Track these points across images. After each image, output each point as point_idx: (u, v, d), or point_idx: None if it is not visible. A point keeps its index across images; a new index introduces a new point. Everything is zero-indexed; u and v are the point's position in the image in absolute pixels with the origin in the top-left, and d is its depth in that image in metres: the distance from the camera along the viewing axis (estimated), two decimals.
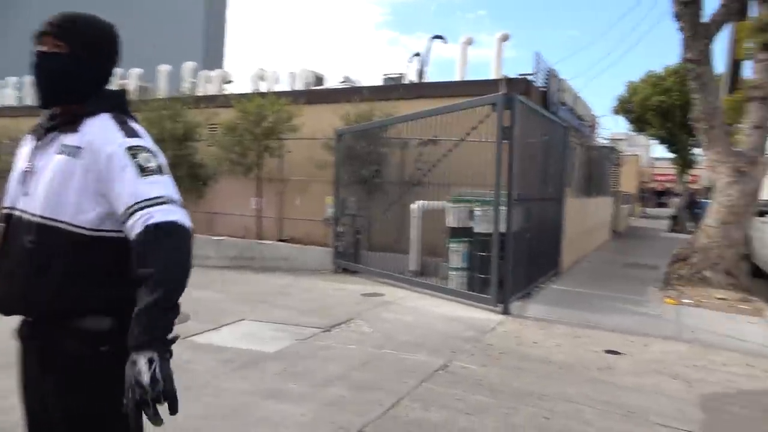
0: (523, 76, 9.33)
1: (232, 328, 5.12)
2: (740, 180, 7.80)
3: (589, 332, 5.39)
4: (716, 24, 8.12)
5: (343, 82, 12.39)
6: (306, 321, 5.43)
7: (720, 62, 10.28)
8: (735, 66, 10.29)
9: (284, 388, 3.67)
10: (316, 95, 10.82)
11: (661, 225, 21.49)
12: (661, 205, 36.82)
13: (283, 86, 12.72)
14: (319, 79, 13.11)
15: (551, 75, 10.03)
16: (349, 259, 8.51)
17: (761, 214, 8.51)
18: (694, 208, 18.54)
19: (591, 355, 4.70)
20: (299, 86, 12.44)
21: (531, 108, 6.72)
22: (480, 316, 5.81)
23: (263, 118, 9.42)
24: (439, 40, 13.51)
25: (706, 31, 8.00)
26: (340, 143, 8.72)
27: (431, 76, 13.25)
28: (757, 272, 9.09)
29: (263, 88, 12.38)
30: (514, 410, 3.48)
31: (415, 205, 7.84)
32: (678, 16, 8.06)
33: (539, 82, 9.66)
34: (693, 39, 7.98)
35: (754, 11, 8.47)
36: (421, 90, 10.08)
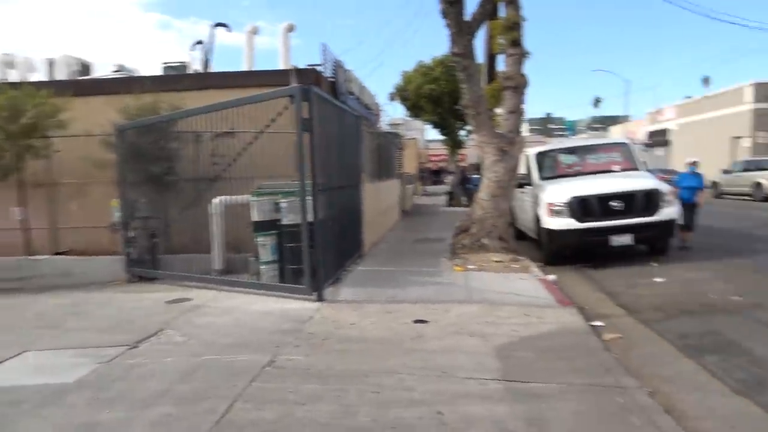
0: (312, 67, 9.53)
1: (14, 364, 4.38)
2: (503, 158, 9.06)
3: (397, 307, 5.83)
4: (476, 22, 9.24)
5: (117, 71, 11.22)
6: (108, 340, 4.90)
7: (482, 55, 11.77)
8: (491, 59, 11.86)
9: (99, 419, 3.29)
10: (86, 86, 9.63)
11: (440, 201, 23.87)
12: (438, 182, 40.80)
13: (41, 75, 11.05)
14: (86, 68, 11.68)
15: (338, 66, 10.41)
16: (145, 266, 7.84)
17: (520, 186, 10.02)
18: (466, 183, 20.92)
19: (403, 328, 5.10)
20: (61, 75, 10.93)
21: (326, 99, 6.91)
22: (297, 306, 5.87)
23: (20, 113, 8.07)
24: (223, 27, 13.01)
25: (469, 29, 9.06)
26: (122, 140, 7.92)
27: (216, 66, 12.71)
28: (520, 235, 10.73)
29: (14, 77, 10.57)
30: (345, 392, 3.63)
31: (216, 201, 7.54)
32: (444, 14, 8.97)
33: (328, 72, 9.96)
34: (458, 35, 8.97)
35: (504, 12, 9.81)
36: (210, 80, 9.65)
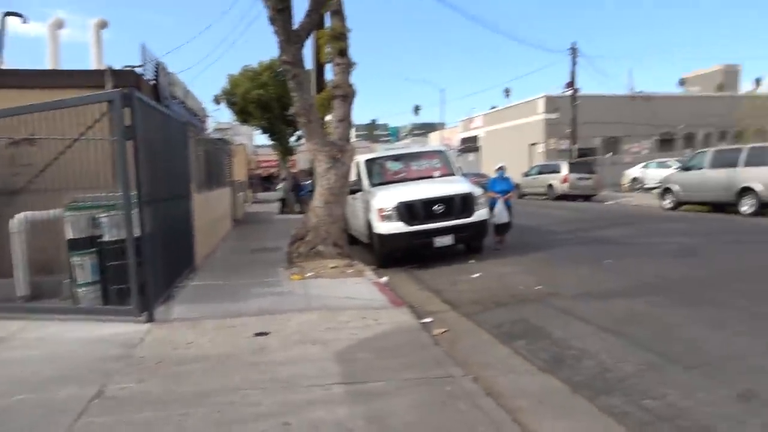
0: (131, 69, 8.85)
1: None
2: (335, 166, 9.34)
3: (236, 321, 5.70)
4: (305, 31, 9.38)
5: None
6: None
7: (311, 64, 11.92)
8: (320, 68, 12.09)
9: None
10: None
11: (272, 208, 23.60)
12: (269, 189, 40.19)
13: None
14: None
15: (160, 68, 9.80)
16: None
17: (352, 192, 10.40)
18: (298, 190, 20.97)
19: (244, 342, 5.03)
20: None
21: (150, 104, 6.49)
22: (124, 330, 5.43)
23: None
24: (17, 17, 11.39)
25: (298, 37, 9.17)
26: None
27: (11, 62, 11.08)
28: (353, 240, 11.12)
29: None
30: (187, 415, 3.50)
31: (18, 218, 6.64)
32: (272, 21, 8.97)
33: (149, 75, 9.33)
34: (287, 43, 9.03)
35: (330, 22, 10.10)
36: (6, 79, 8.42)
